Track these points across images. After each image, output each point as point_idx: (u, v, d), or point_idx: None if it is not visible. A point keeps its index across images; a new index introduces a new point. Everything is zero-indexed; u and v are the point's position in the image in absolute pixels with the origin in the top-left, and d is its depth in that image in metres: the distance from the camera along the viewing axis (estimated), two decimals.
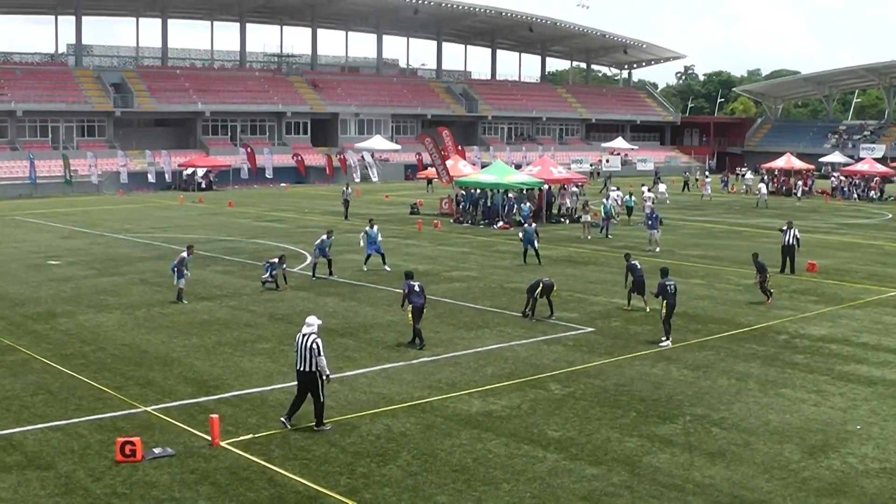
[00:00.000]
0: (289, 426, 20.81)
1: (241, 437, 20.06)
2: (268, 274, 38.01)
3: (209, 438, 19.71)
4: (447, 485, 17.73)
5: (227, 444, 19.64)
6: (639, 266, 34.54)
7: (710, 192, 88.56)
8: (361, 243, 42.93)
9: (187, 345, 28.63)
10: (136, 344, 28.68)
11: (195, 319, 32.21)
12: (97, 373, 25.28)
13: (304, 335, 20.63)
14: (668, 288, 29.65)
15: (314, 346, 20.41)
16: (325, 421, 20.87)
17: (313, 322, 21.00)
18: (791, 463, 19.02)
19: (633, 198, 62.37)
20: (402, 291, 29.62)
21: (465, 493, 17.35)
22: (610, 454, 19.40)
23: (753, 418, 21.89)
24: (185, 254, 35.83)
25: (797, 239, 42.76)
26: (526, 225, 46.78)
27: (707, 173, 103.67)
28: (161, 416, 21.64)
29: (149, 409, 22.12)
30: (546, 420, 21.59)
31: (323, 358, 20.51)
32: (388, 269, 42.01)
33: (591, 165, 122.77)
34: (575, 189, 70.06)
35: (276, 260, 38.01)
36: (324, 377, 20.71)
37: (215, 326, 31.00)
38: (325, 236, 40.86)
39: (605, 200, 57.96)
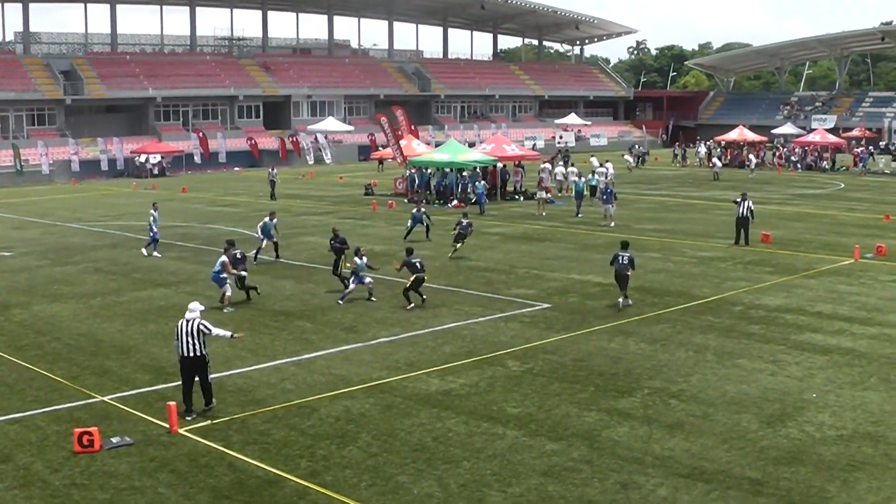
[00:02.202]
0: (189, 417, 20.52)
1: (200, 424, 20.00)
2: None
3: (167, 426, 19.63)
4: (407, 464, 17.75)
5: (186, 430, 19.57)
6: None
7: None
8: (258, 234, 41.86)
9: (144, 332, 28.48)
10: (92, 333, 28.51)
11: (151, 306, 32.04)
12: (53, 363, 25.11)
13: (187, 321, 20.67)
14: (619, 258, 31.02)
15: (201, 327, 20.60)
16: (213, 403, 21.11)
17: (196, 308, 21.08)
18: (749, 433, 19.16)
19: (594, 176, 62.18)
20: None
21: (425, 472, 17.37)
22: (569, 429, 19.47)
23: (711, 389, 22.04)
24: (224, 258, 32.56)
25: (751, 210, 43.01)
26: (414, 211, 46.79)
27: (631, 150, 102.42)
28: (118, 405, 21.53)
29: (106, 398, 22.00)
30: (505, 397, 21.65)
31: (216, 329, 21.03)
32: (157, 254, 42.55)
33: (557, 143, 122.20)
34: (547, 166, 69.83)
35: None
36: (231, 337, 21.72)
37: (172, 313, 30.74)
38: (266, 219, 40.50)
39: (576, 179, 57.68)
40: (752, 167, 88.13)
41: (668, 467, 17.45)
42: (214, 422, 20.10)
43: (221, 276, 31.99)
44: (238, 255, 32.58)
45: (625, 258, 31.09)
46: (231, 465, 17.88)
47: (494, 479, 17.08)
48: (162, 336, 27.75)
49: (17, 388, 23.04)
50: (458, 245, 40.58)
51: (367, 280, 32.79)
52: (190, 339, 20.49)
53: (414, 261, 31.41)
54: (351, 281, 32.90)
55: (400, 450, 18.48)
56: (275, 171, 71.80)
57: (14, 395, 22.46)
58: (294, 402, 21.41)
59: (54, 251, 44.64)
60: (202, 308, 21.50)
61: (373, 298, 32.43)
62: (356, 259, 32.60)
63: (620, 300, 31.09)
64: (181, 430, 19.50)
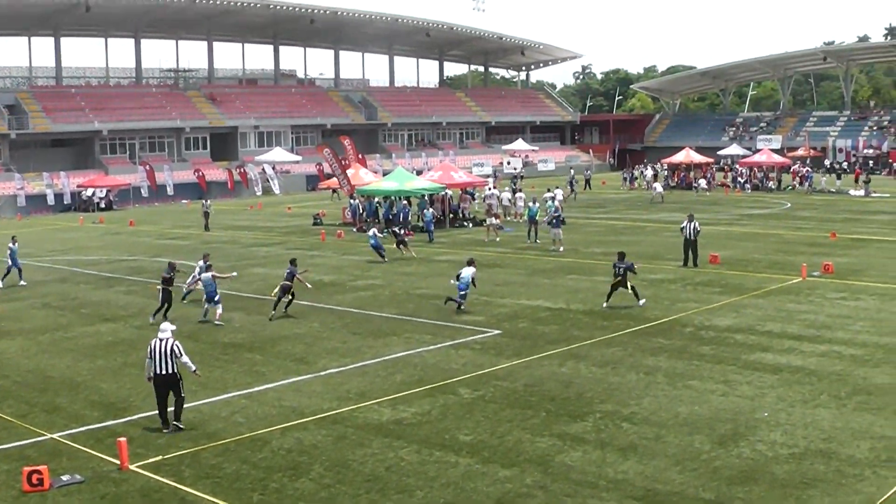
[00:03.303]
0: (169, 430, 21.61)
1: (151, 459, 19.80)
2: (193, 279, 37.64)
3: (118, 462, 19.42)
4: (361, 495, 17.66)
5: (137, 466, 19.37)
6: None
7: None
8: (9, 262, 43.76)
9: (93, 368, 28.23)
10: (41, 369, 28.23)
11: (100, 341, 31.79)
12: (1, 401, 24.82)
13: (160, 340, 21.58)
14: (616, 269, 34.88)
15: (175, 348, 21.52)
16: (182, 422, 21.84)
17: (167, 328, 22.06)
18: (702, 453, 19.21)
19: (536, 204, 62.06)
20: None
21: (379, 503, 17.30)
22: (522, 455, 19.43)
23: (663, 411, 22.08)
24: (207, 274, 34.95)
25: (697, 231, 43.22)
26: (369, 233, 48.54)
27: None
28: (69, 442, 21.29)
29: (55, 435, 21.75)
30: (457, 425, 21.59)
31: (185, 356, 21.80)
32: (24, 283, 43.65)
33: (515, 169, 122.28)
34: (494, 191, 69.91)
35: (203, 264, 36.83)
36: (193, 371, 22.14)
37: (121, 347, 30.61)
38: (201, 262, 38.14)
39: (530, 204, 57.65)
40: (700, 189, 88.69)
41: (623, 490, 17.45)
42: (166, 457, 19.91)
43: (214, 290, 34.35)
44: (170, 275, 34.42)
45: (620, 269, 34.52)
46: (183, 499, 17.73)
47: None
48: (111, 371, 27.56)
49: None
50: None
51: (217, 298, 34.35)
52: (164, 358, 21.41)
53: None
54: (204, 301, 34.62)
55: (353, 480, 18.38)
56: (209, 202, 72.39)
57: None
58: (245, 435, 21.27)
59: (1, 287, 44.21)
60: (174, 328, 22.39)
61: (218, 322, 33.83)
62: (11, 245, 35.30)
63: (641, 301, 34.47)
64: (132, 466, 19.30)
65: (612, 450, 19.60)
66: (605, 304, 34.77)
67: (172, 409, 21.87)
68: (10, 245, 44.55)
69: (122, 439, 19.82)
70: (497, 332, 31.28)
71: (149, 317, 34.32)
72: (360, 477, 18.56)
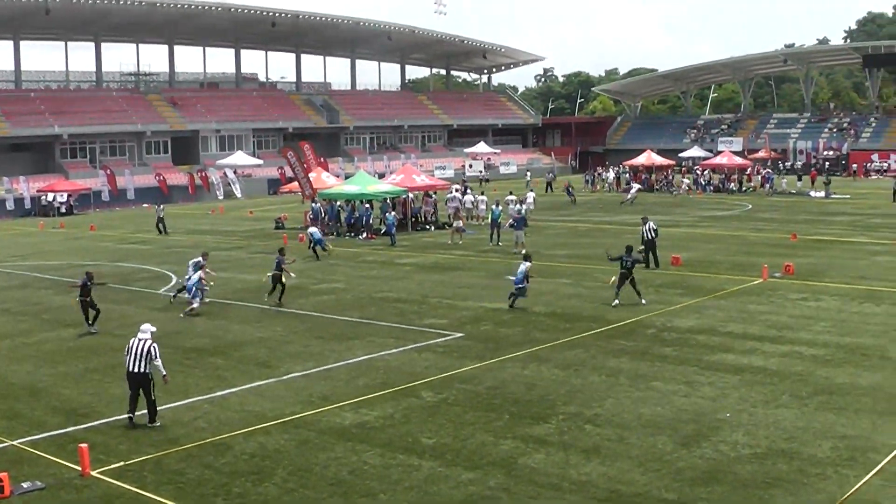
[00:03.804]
0: (131, 425, 22.29)
1: (113, 465, 19.69)
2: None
3: (80, 469, 19.30)
4: (324, 499, 17.64)
5: (99, 472, 19.26)
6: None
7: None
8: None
9: (54, 374, 28.05)
10: (2, 376, 27.99)
11: (62, 347, 31.60)
12: None
13: (139, 339, 22.39)
14: (624, 262, 35.83)
15: (151, 349, 22.25)
16: (157, 420, 22.50)
17: (147, 329, 22.78)
18: (665, 454, 19.28)
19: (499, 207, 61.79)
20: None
21: None
22: (485, 458, 19.45)
23: (626, 413, 22.14)
24: (201, 273, 37.20)
25: (655, 231, 43.41)
26: (312, 228, 49.79)
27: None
28: (29, 448, 21.13)
29: (16, 442, 21.59)
30: (420, 428, 21.59)
31: (159, 360, 22.43)
32: None
33: (480, 172, 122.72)
34: (456, 195, 69.85)
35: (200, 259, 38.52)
36: (162, 376, 22.63)
37: (82, 353, 30.45)
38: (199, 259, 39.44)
39: (493, 206, 57.47)
40: (681, 189, 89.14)
41: (586, 492, 17.49)
42: (128, 463, 19.80)
43: (195, 287, 36.45)
44: (86, 283, 33.96)
45: (629, 262, 35.70)
46: None
47: None
48: (72, 377, 27.41)
49: None
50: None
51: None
52: (138, 357, 22.14)
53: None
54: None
55: (316, 485, 18.35)
56: (162, 207, 72.66)
57: None
58: (208, 439, 21.20)
59: None
60: (153, 329, 22.99)
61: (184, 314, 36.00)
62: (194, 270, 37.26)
63: (643, 301, 35.16)
64: (94, 473, 19.18)
65: (576, 451, 19.64)
66: (615, 302, 35.09)
67: (145, 410, 22.41)
68: None
69: (84, 445, 19.68)
70: (460, 335, 31.29)
71: (90, 327, 33.85)
72: (323, 481, 18.53)
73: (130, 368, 22.27)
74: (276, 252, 40.12)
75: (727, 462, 18.78)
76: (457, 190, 72.08)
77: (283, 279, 38.10)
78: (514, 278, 35.55)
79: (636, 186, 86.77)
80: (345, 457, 19.84)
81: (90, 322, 33.81)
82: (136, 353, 22.23)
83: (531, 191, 71.52)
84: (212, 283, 38.79)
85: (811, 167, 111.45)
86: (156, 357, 22.30)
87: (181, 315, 35.70)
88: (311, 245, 50.43)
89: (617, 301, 35.05)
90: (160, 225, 69.44)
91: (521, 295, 35.37)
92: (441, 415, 22.59)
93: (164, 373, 22.67)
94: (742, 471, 18.28)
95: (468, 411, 22.80)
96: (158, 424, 22.31)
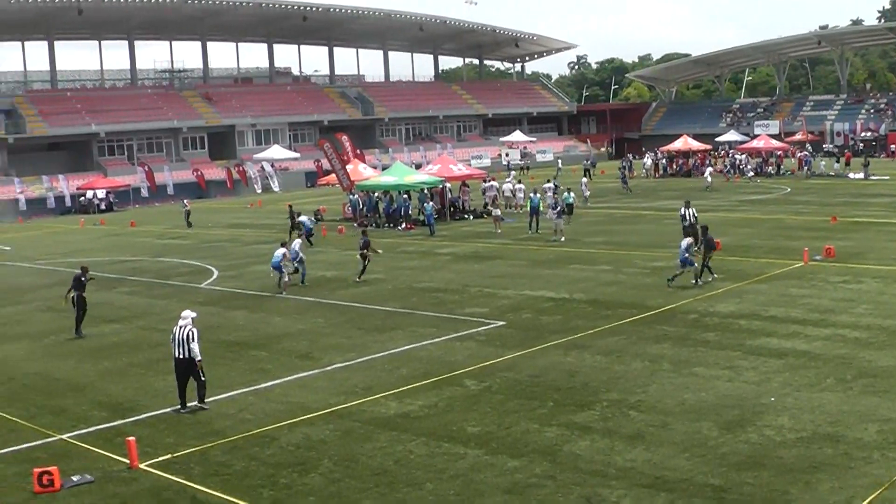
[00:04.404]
0: (184, 410, 23.10)
1: (160, 458, 19.84)
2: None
3: (127, 461, 19.46)
4: (370, 489, 17.69)
5: (146, 465, 19.42)
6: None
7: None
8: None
9: (98, 369, 28.27)
10: (47, 372, 28.28)
11: (104, 343, 31.83)
12: (8, 405, 24.85)
13: (180, 327, 23.03)
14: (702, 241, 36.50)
15: (190, 334, 22.86)
16: (206, 402, 23.41)
17: (188, 315, 23.39)
18: (709, 440, 19.21)
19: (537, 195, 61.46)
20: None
21: (388, 496, 17.32)
22: (530, 445, 19.46)
23: (669, 399, 22.09)
24: (284, 249, 40.01)
25: (695, 217, 43.29)
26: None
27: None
28: (77, 442, 21.34)
29: (64, 436, 21.79)
30: (464, 416, 21.61)
31: (195, 344, 22.90)
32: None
33: (520, 160, 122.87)
34: (494, 184, 70.00)
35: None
36: (196, 360, 23.00)
37: (125, 348, 30.67)
38: (282, 250, 40.18)
39: (532, 195, 57.38)
40: (748, 173, 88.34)
41: (631, 478, 17.47)
42: (175, 455, 19.94)
43: (281, 264, 39.28)
44: (80, 276, 34.06)
45: (703, 242, 36.47)
46: (194, 497, 17.76)
47: (457, 499, 17.04)
48: (117, 372, 27.61)
49: None
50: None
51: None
52: (182, 343, 22.89)
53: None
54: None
55: (361, 475, 18.42)
56: (186, 202, 74.41)
57: None
58: (253, 431, 21.31)
59: (4, 291, 44.34)
60: (194, 315, 23.54)
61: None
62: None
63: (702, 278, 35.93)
64: (141, 465, 19.33)
65: (620, 438, 19.62)
66: (713, 278, 36.23)
67: (195, 403, 23.29)
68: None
69: (131, 438, 19.86)
70: (501, 323, 31.30)
71: (74, 332, 33.49)
72: (368, 471, 18.59)
73: (176, 355, 22.99)
74: (360, 234, 43.80)
75: (772, 447, 18.68)
76: (512, 178, 72.58)
77: (368, 258, 41.45)
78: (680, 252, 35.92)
79: (709, 169, 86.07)
80: (389, 446, 19.90)
81: (78, 326, 33.36)
82: (179, 340, 22.91)
83: (548, 181, 70.59)
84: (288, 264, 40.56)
85: (845, 149, 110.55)
86: (193, 340, 22.85)
87: (282, 293, 38.85)
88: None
89: (713, 277, 36.22)
90: (188, 220, 71.00)
91: (686, 267, 35.72)
92: (484, 403, 22.61)
93: (199, 358, 23.03)
94: (787, 455, 18.19)
95: (511, 399, 22.81)
96: (207, 407, 23.04)
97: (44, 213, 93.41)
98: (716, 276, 35.99)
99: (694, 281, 35.52)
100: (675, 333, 28.47)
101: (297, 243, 41.81)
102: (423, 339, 29.49)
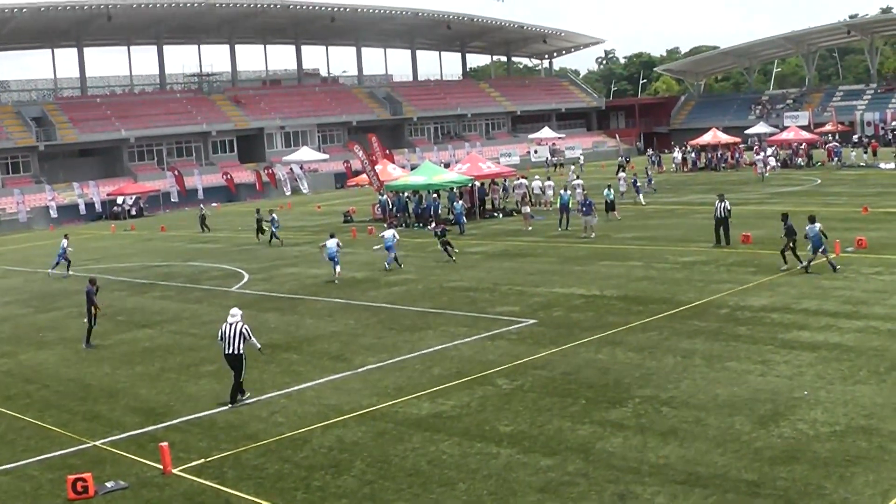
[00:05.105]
0: (244, 396, 24.17)
1: (194, 463, 19.87)
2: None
3: (161, 467, 19.49)
4: (403, 490, 17.68)
5: (180, 470, 19.45)
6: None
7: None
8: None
9: (131, 374, 28.35)
10: (80, 378, 28.39)
11: (137, 348, 31.94)
12: (42, 411, 24.98)
13: (230, 324, 23.76)
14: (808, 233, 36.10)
15: (244, 330, 23.72)
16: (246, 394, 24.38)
17: (237, 313, 24.09)
18: (743, 434, 19.11)
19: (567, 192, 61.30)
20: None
21: (421, 497, 17.31)
22: (563, 443, 19.41)
23: (702, 394, 21.99)
24: (336, 240, 42.95)
25: (728, 211, 43.07)
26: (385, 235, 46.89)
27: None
28: (111, 449, 21.40)
29: (97, 443, 21.87)
30: (496, 416, 21.57)
31: (253, 338, 24.05)
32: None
33: (552, 157, 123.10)
34: (523, 181, 69.88)
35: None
36: (258, 349, 24.78)
37: (158, 353, 30.76)
38: (330, 241, 42.79)
39: (562, 192, 57.26)
40: (770, 167, 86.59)
41: (665, 475, 17.41)
42: (208, 460, 19.97)
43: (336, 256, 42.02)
44: (93, 290, 34.15)
45: (786, 228, 37.02)
46: (227, 501, 17.79)
47: (491, 498, 17.01)
48: (150, 377, 27.68)
49: (7, 438, 22.91)
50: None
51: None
52: (232, 339, 23.67)
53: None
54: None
55: (395, 476, 18.40)
56: (203, 207, 75.72)
57: (5, 445, 22.32)
58: (286, 434, 21.33)
59: (37, 298, 44.56)
60: (241, 312, 24.25)
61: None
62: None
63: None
64: (175, 471, 19.37)
65: (653, 435, 19.55)
66: (803, 265, 36.31)
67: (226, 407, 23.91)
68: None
69: (164, 444, 19.90)
70: (532, 321, 31.23)
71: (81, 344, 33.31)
72: (401, 472, 18.57)
73: (226, 351, 23.78)
74: (435, 227, 48.05)
75: (806, 440, 18.58)
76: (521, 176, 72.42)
77: (450, 242, 45.61)
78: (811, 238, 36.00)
79: (771, 160, 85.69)
80: (422, 447, 19.88)
81: (88, 337, 33.18)
82: (229, 337, 23.62)
83: (623, 172, 70.69)
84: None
85: (872, 139, 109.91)
86: (250, 336, 23.76)
87: (335, 281, 41.69)
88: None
89: (803, 265, 36.31)
90: (204, 224, 71.43)
91: (818, 253, 35.89)
92: (517, 402, 22.56)
93: (259, 346, 24.60)
94: (821, 449, 18.07)
95: (544, 397, 22.76)
96: (239, 404, 23.88)
97: (75, 219, 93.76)
98: (801, 265, 36.33)
99: (803, 265, 36.27)
100: (708, 328, 28.34)
101: (333, 241, 42.38)
102: (454, 339, 29.45)
